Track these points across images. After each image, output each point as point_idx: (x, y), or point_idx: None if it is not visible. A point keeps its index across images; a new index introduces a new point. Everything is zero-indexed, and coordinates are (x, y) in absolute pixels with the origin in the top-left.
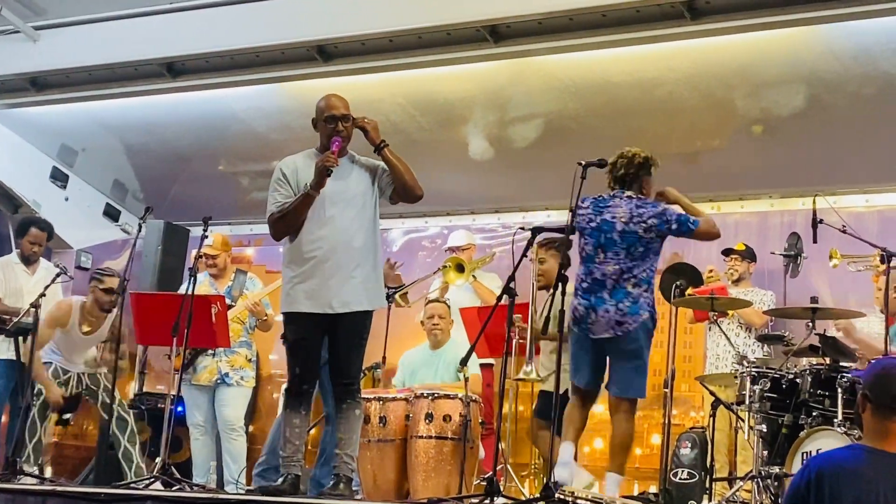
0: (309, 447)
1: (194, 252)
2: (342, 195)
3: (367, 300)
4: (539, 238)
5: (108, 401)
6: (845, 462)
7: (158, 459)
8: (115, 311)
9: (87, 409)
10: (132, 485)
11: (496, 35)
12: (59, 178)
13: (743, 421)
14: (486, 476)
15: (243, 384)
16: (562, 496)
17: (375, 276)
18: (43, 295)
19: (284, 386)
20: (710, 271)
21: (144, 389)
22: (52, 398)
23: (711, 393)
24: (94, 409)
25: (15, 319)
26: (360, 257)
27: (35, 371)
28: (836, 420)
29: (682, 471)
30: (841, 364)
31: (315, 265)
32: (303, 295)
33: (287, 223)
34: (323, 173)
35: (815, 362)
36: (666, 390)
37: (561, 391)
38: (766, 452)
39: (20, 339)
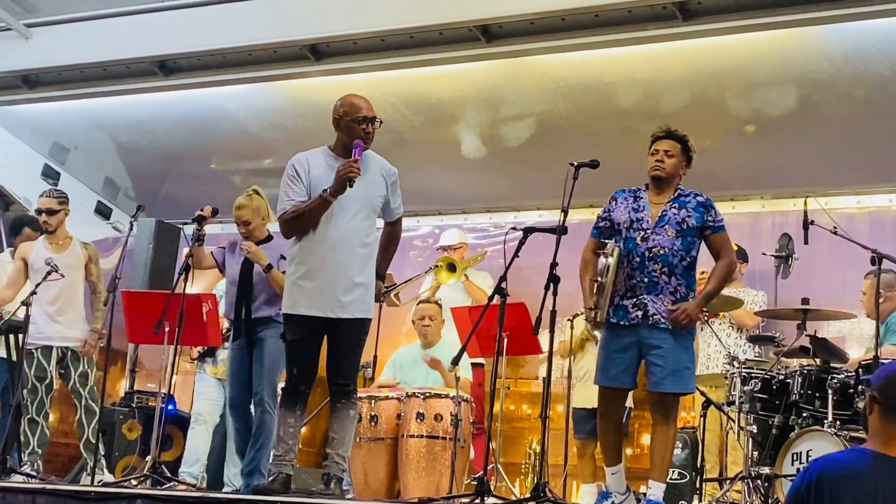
0: (301, 446)
1: (186, 250)
2: (355, 199)
3: (368, 307)
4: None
5: (79, 388)
6: (847, 465)
7: (149, 458)
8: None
9: (72, 404)
10: (122, 483)
11: (488, 35)
12: (50, 175)
13: (733, 421)
14: (476, 476)
15: None
16: (552, 496)
17: (373, 284)
18: (34, 293)
19: (281, 385)
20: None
21: (135, 387)
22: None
23: (702, 393)
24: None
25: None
26: (363, 263)
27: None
28: (826, 421)
29: (673, 471)
30: (831, 365)
31: (319, 266)
32: (304, 296)
33: (300, 224)
34: (345, 184)
35: (805, 363)
36: None
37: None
38: (756, 453)
39: (10, 336)
